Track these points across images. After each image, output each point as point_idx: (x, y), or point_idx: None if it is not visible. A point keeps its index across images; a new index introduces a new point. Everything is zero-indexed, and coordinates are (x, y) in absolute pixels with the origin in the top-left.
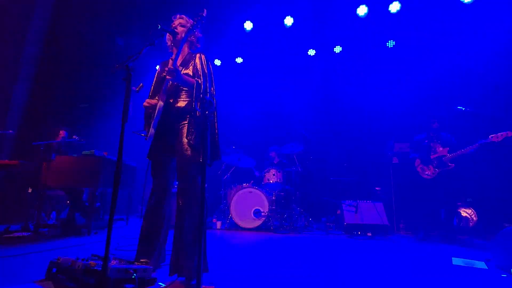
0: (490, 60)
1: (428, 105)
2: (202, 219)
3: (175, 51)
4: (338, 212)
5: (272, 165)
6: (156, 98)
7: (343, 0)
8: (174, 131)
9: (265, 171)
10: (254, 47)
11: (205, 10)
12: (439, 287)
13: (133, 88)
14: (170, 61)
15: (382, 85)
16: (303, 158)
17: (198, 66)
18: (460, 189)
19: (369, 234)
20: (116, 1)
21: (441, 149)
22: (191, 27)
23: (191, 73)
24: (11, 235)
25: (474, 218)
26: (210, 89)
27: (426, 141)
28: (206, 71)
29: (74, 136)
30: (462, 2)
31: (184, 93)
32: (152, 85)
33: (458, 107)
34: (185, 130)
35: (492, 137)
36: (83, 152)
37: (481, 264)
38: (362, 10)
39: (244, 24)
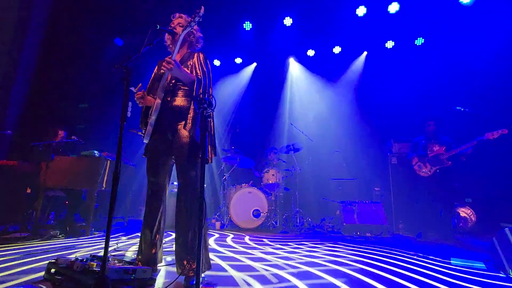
0: (487, 60)
1: (427, 105)
2: (201, 219)
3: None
4: (337, 212)
5: (272, 166)
6: (151, 95)
7: (343, 1)
8: (172, 129)
9: (265, 171)
10: (254, 47)
11: (202, 8)
12: (438, 286)
13: (132, 88)
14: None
15: (381, 85)
16: (302, 158)
17: (197, 65)
18: (458, 189)
19: (368, 234)
20: (115, 1)
21: (437, 147)
22: (187, 24)
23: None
24: (10, 236)
25: (473, 218)
26: (208, 89)
27: (424, 141)
28: (205, 69)
29: (73, 137)
30: (461, 4)
31: (182, 92)
32: (148, 82)
33: (457, 108)
34: (183, 128)
35: (488, 134)
36: (82, 153)
37: (479, 265)
38: (361, 11)
39: (244, 24)
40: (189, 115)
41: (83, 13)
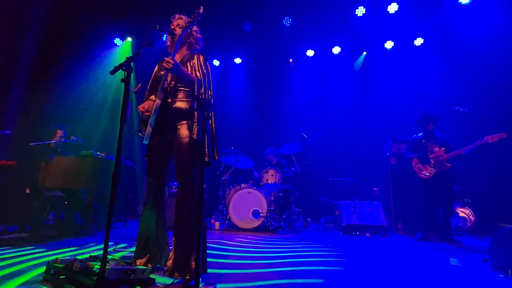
0: (486, 60)
1: (426, 105)
2: (200, 219)
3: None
4: (337, 212)
5: (271, 166)
6: (151, 97)
7: (342, 1)
8: (172, 130)
9: (264, 171)
10: (253, 47)
11: (201, 7)
12: (436, 287)
13: (132, 89)
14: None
15: (380, 85)
16: (301, 158)
17: (197, 66)
18: (457, 189)
19: (368, 234)
20: (115, 1)
21: (437, 149)
22: (187, 24)
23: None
24: (9, 236)
25: (472, 218)
26: (208, 90)
27: (424, 141)
28: (205, 71)
29: (72, 137)
30: (460, 3)
31: (182, 93)
32: (148, 83)
33: (455, 108)
34: (183, 129)
35: (487, 138)
36: (81, 153)
37: (478, 264)
38: (360, 11)
39: (243, 24)
40: (189, 116)
41: (83, 13)
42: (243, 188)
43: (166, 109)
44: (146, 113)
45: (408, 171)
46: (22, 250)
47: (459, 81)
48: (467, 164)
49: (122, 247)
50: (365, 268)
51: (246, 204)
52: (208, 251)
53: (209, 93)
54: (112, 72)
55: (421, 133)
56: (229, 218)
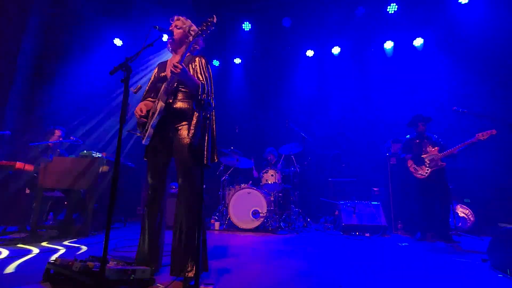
0: (485, 60)
1: (425, 105)
2: (201, 219)
3: (173, 53)
4: (336, 212)
5: (271, 166)
6: (149, 99)
7: (342, 2)
8: (173, 131)
9: (264, 171)
10: (253, 47)
11: (214, 16)
12: (436, 287)
13: (131, 89)
14: (168, 61)
15: (380, 85)
16: (301, 159)
17: (199, 69)
18: (456, 189)
19: (367, 234)
20: (114, 1)
21: (431, 148)
22: (200, 32)
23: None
24: (9, 236)
25: (472, 218)
26: (210, 92)
27: (417, 140)
28: (207, 74)
29: (71, 137)
30: (459, 3)
31: (182, 94)
32: (147, 85)
33: (454, 108)
34: (184, 130)
35: (478, 135)
36: (81, 153)
37: (478, 264)
38: (360, 11)
39: (243, 24)
40: (189, 117)
41: (82, 13)
42: (243, 188)
43: (167, 110)
44: (142, 119)
45: (407, 171)
46: (22, 251)
47: (459, 81)
48: (467, 163)
49: (122, 247)
50: (365, 268)
51: (246, 204)
52: (208, 251)
53: (210, 94)
54: (112, 73)
55: (414, 134)
56: (229, 218)
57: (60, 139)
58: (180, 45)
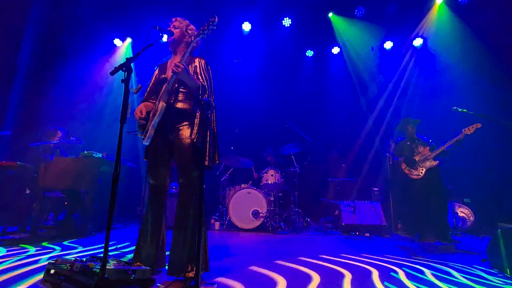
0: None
1: (424, 104)
2: (201, 219)
3: (173, 53)
4: (336, 212)
5: (271, 166)
6: (151, 100)
7: (341, 2)
8: (173, 131)
9: (264, 172)
10: (252, 47)
11: (215, 17)
12: (435, 287)
13: (131, 89)
14: (168, 62)
15: (380, 85)
16: (301, 159)
17: (199, 70)
18: (455, 188)
19: (367, 234)
20: (114, 1)
21: (422, 148)
22: (202, 32)
23: None
24: (9, 237)
25: (471, 218)
26: (210, 93)
27: (408, 142)
28: (207, 75)
29: (71, 137)
30: (459, 3)
31: (183, 94)
32: (148, 86)
33: (454, 108)
34: (185, 131)
35: (464, 130)
36: (81, 153)
37: (477, 264)
38: (360, 11)
39: (242, 25)
40: (190, 117)
41: (82, 13)
42: (243, 188)
43: (168, 110)
44: (142, 121)
45: (404, 172)
46: (22, 251)
47: (459, 81)
48: (466, 163)
49: (122, 247)
50: (364, 267)
51: (246, 204)
52: (208, 251)
53: (211, 95)
54: (112, 73)
55: (404, 136)
56: (229, 218)
57: (61, 139)
58: (179, 44)
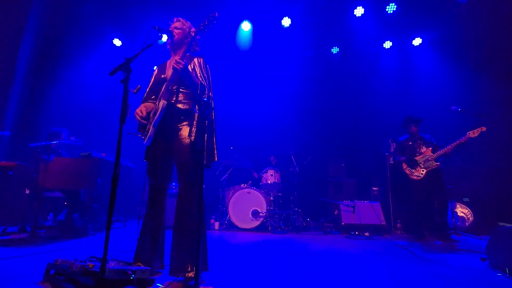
0: (485, 59)
1: (423, 104)
2: (201, 219)
3: (172, 53)
4: (336, 212)
5: (270, 166)
6: (150, 101)
7: (341, 1)
8: (173, 131)
9: (263, 171)
10: (252, 47)
11: (216, 13)
12: (436, 287)
13: (131, 89)
14: (168, 62)
15: (379, 85)
16: (300, 158)
17: (197, 70)
18: (454, 188)
19: (367, 234)
20: (114, 1)
21: (424, 149)
22: (202, 27)
23: None
24: (9, 237)
25: (471, 218)
26: (209, 92)
27: (410, 142)
28: (205, 74)
29: (71, 137)
30: (458, 3)
31: (183, 94)
32: (148, 86)
33: (453, 108)
34: (185, 131)
35: (469, 133)
36: (81, 154)
37: (477, 263)
38: (359, 11)
39: (242, 24)
40: (190, 117)
41: (82, 14)
42: (242, 188)
43: (167, 110)
44: (142, 121)
45: (404, 172)
46: (22, 251)
47: (459, 81)
48: (465, 162)
49: (122, 247)
50: (363, 267)
51: (245, 204)
52: (207, 251)
53: (210, 94)
54: (112, 73)
55: (406, 136)
56: (229, 218)
57: (62, 140)
58: (180, 45)
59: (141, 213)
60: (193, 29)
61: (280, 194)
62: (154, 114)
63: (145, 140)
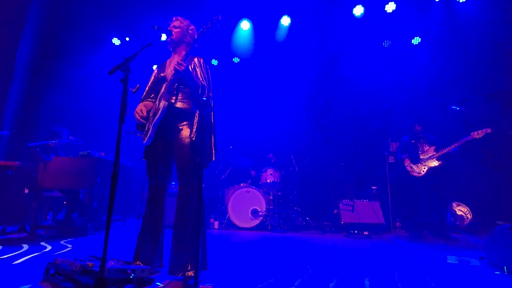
0: (485, 59)
1: (423, 104)
2: (200, 218)
3: (172, 52)
4: (335, 211)
5: (270, 165)
6: (149, 100)
7: (341, 1)
8: (173, 131)
9: (263, 170)
10: (251, 47)
11: (219, 15)
12: (434, 285)
13: (130, 89)
14: (168, 62)
15: (378, 84)
16: (300, 157)
17: (198, 70)
18: (453, 187)
19: (366, 233)
20: (114, 1)
21: (427, 147)
22: (205, 30)
23: None
24: (8, 236)
25: (469, 216)
26: (209, 92)
27: (413, 141)
28: (205, 75)
29: (70, 137)
30: (458, 2)
31: (183, 95)
32: (147, 85)
33: (453, 107)
34: (184, 131)
35: (473, 134)
36: (80, 153)
37: (475, 262)
38: (358, 10)
39: (241, 24)
40: (190, 117)
41: (81, 13)
42: (242, 187)
43: (168, 110)
44: (142, 120)
45: (404, 169)
46: (22, 251)
47: (459, 81)
48: (465, 161)
49: (122, 247)
50: (363, 266)
51: (245, 203)
52: (207, 250)
53: (210, 94)
54: (111, 73)
55: (410, 135)
56: (228, 217)
57: (61, 140)
58: (179, 44)
59: (141, 212)
60: (191, 27)
61: (279, 193)
62: (154, 114)
63: (145, 140)
